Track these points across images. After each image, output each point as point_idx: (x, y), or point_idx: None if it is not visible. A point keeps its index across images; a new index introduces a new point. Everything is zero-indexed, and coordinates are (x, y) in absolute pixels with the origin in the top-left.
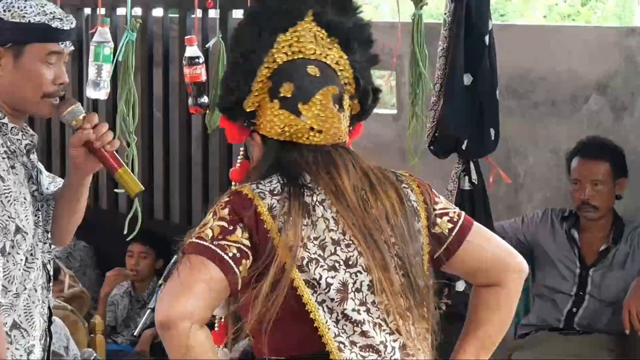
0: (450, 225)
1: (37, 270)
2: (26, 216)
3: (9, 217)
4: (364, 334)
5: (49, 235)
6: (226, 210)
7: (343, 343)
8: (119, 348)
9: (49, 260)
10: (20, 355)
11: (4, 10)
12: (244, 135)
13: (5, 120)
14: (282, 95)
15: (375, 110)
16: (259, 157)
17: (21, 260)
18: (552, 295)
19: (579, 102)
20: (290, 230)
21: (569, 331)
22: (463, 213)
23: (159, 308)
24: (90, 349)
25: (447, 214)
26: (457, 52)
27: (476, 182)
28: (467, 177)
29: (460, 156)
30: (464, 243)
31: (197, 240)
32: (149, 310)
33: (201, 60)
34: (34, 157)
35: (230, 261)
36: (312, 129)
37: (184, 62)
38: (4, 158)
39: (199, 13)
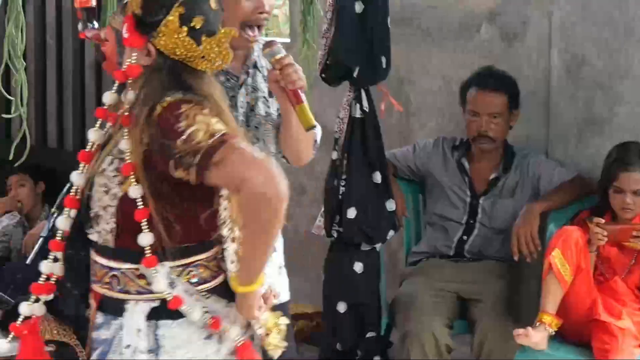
0: None
1: None
2: None
3: None
4: None
5: None
6: None
7: None
8: None
9: None
10: None
11: None
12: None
13: None
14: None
15: (270, 38)
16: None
17: None
18: (443, 223)
19: (471, 31)
20: None
21: (459, 258)
22: None
23: None
24: None
25: None
26: None
27: (367, 110)
28: (358, 105)
29: (351, 84)
30: None
31: None
32: (41, 239)
33: None
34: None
35: None
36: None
37: None
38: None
39: None
